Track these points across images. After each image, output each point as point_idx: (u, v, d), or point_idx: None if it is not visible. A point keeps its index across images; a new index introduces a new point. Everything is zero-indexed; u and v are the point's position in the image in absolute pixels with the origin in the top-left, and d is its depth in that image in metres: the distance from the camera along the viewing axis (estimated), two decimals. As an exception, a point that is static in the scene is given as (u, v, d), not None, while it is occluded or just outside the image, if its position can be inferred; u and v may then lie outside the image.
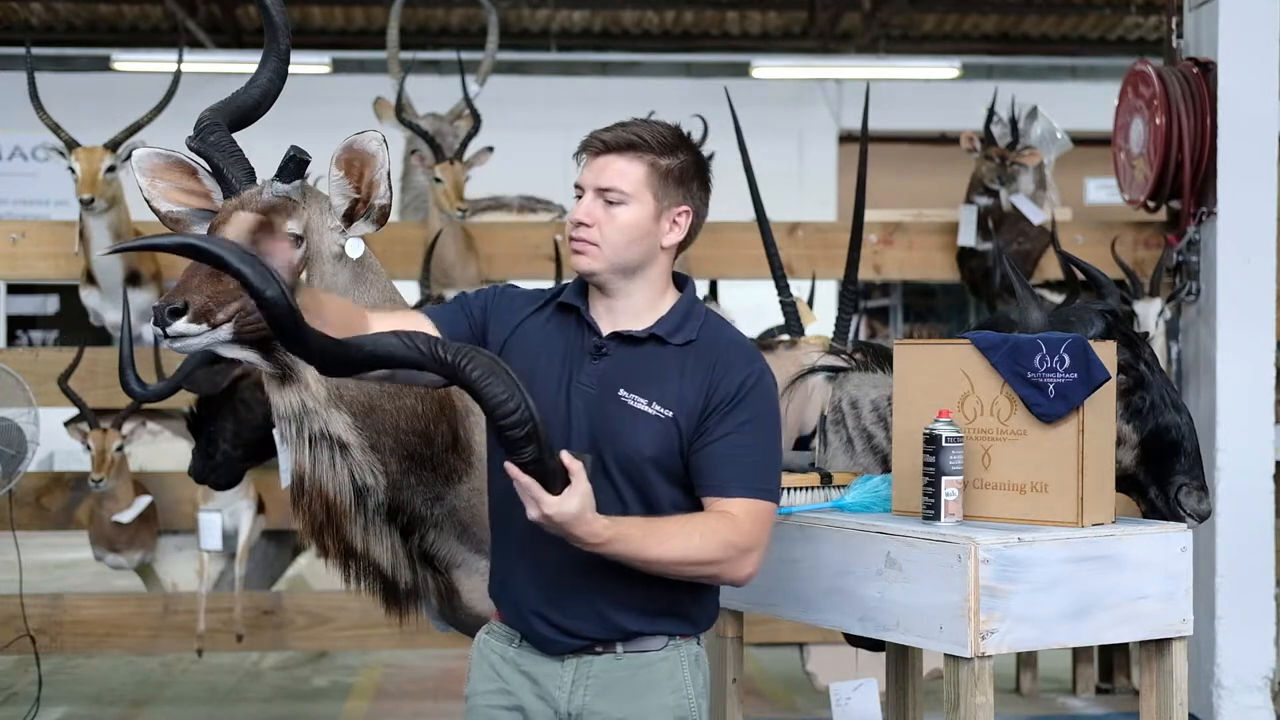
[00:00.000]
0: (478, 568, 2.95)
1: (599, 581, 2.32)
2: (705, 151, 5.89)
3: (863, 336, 9.25)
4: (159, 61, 10.53)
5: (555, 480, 2.10)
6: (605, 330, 2.39)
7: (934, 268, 6.04)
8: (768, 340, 4.37)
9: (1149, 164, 5.35)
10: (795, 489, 2.96)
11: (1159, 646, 2.78)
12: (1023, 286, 3.07)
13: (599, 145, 2.37)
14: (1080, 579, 2.64)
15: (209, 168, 2.63)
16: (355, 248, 2.67)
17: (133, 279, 5.26)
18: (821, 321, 4.88)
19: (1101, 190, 12.06)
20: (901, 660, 3.25)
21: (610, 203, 2.34)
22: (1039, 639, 2.65)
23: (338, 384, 2.66)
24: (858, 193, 4.01)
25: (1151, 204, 5.47)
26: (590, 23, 12.51)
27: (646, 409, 2.31)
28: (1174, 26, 5.47)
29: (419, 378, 2.32)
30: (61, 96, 6.61)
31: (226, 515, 5.18)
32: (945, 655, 2.60)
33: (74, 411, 5.11)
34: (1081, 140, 6.20)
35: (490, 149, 5.71)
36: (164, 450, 5.87)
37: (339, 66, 11.22)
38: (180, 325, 2.36)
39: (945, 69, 11.73)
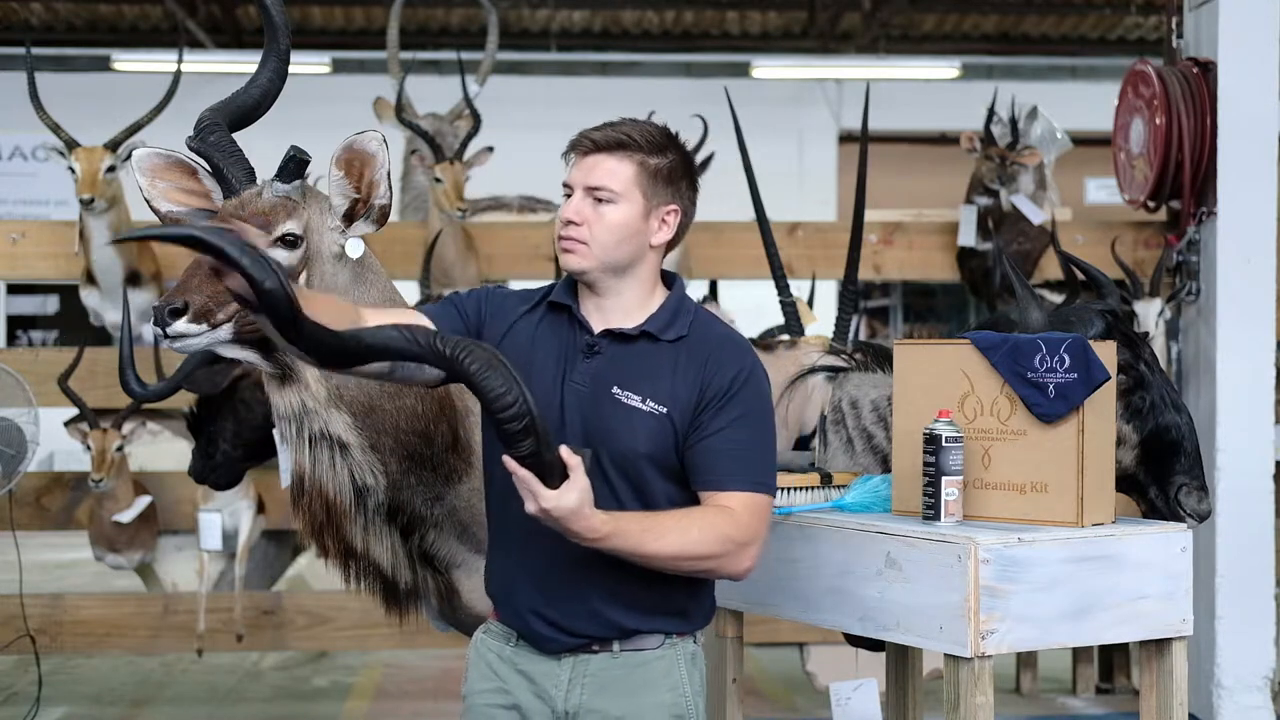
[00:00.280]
0: (478, 568, 2.95)
1: (596, 580, 2.32)
2: (705, 151, 5.93)
3: (863, 336, 9.25)
4: (159, 61, 10.53)
5: (553, 475, 2.10)
6: (597, 328, 2.39)
7: (934, 268, 6.04)
8: (768, 340, 4.37)
9: (1149, 164, 5.35)
10: (795, 489, 2.96)
11: (1159, 646, 2.78)
12: (1023, 286, 3.07)
13: (588, 144, 2.37)
14: (1080, 579, 2.64)
15: (209, 168, 2.63)
16: (355, 248, 2.68)
17: (133, 279, 5.26)
18: (821, 321, 4.88)
19: (1101, 190, 12.05)
20: (901, 660, 3.25)
21: (600, 201, 2.35)
22: (1039, 639, 2.65)
23: (338, 384, 2.66)
24: (858, 193, 4.01)
25: (1151, 204, 5.47)
26: (590, 23, 12.51)
27: (640, 406, 2.32)
28: (1174, 26, 5.47)
29: (417, 376, 2.32)
30: (61, 96, 6.61)
31: (226, 515, 5.18)
32: (945, 655, 2.60)
33: (74, 411, 5.11)
34: (1081, 140, 6.20)
35: (490, 149, 5.71)
36: (164, 450, 5.87)
37: (339, 66, 11.22)
38: (180, 325, 2.36)
39: (945, 69, 11.73)
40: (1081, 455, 2.70)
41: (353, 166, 2.65)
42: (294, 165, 2.57)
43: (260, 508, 5.32)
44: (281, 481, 2.89)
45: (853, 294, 3.99)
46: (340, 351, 2.05)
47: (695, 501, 2.33)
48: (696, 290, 5.87)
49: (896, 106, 11.33)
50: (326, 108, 9.33)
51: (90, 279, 5.34)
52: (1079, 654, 5.82)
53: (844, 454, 3.37)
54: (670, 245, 2.43)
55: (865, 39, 12.18)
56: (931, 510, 2.72)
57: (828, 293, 7.10)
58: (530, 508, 2.12)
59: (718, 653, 3.09)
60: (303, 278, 2.59)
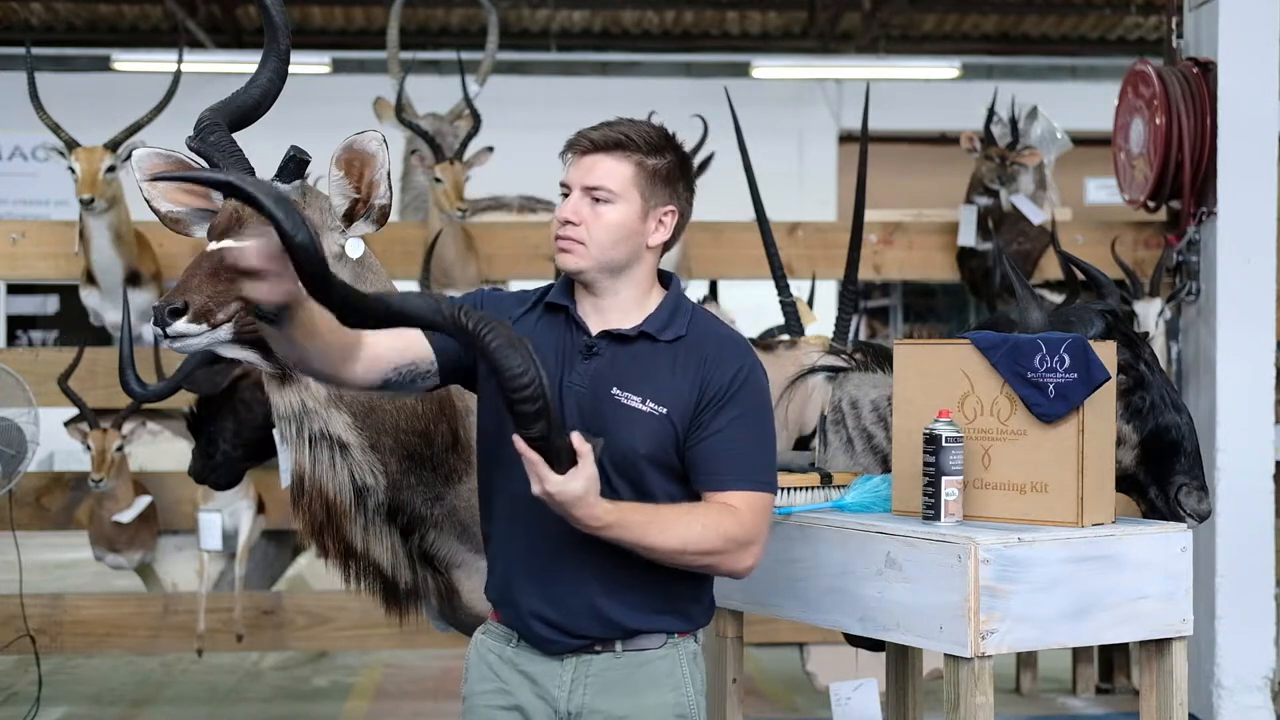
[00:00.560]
0: (478, 568, 2.95)
1: (597, 580, 2.32)
2: (705, 151, 5.92)
3: (863, 336, 9.25)
4: (159, 61, 10.53)
5: (562, 459, 2.09)
6: (594, 329, 2.39)
7: (934, 268, 6.04)
8: (768, 340, 4.37)
9: (1149, 164, 5.35)
10: (795, 489, 2.96)
11: (1159, 646, 2.78)
12: (1023, 286, 3.07)
13: (586, 144, 2.37)
14: (1080, 579, 2.64)
15: (209, 168, 2.63)
16: (355, 248, 2.68)
17: (133, 279, 5.26)
18: (821, 321, 4.88)
19: (1101, 190, 12.06)
20: (901, 660, 3.25)
21: (597, 201, 2.35)
22: (1039, 639, 2.65)
23: (338, 384, 2.66)
24: (858, 193, 4.01)
25: (1151, 204, 5.47)
26: (590, 23, 12.51)
27: (640, 407, 2.32)
28: (1174, 26, 5.47)
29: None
30: (61, 96, 6.61)
31: (226, 515, 5.18)
32: (945, 655, 2.60)
33: (74, 411, 5.11)
34: (1081, 140, 6.20)
35: (490, 149, 5.71)
36: (164, 450, 5.87)
37: (339, 66, 11.22)
38: (180, 325, 2.36)
39: (945, 69, 11.73)
40: (1081, 455, 2.70)
41: (353, 166, 2.65)
42: (294, 165, 2.57)
43: (260, 508, 5.32)
44: (281, 481, 2.89)
45: (853, 294, 3.99)
46: (366, 314, 2.04)
47: (696, 500, 2.33)
48: (696, 290, 5.88)
49: (896, 106, 11.34)
50: (326, 108, 9.33)
51: (90, 279, 5.34)
52: (1079, 654, 5.81)
53: (844, 454, 3.37)
54: (666, 246, 2.43)
55: (865, 39, 12.18)
56: (931, 510, 2.72)
57: (828, 293, 7.10)
58: (535, 489, 2.11)
59: (718, 653, 3.09)
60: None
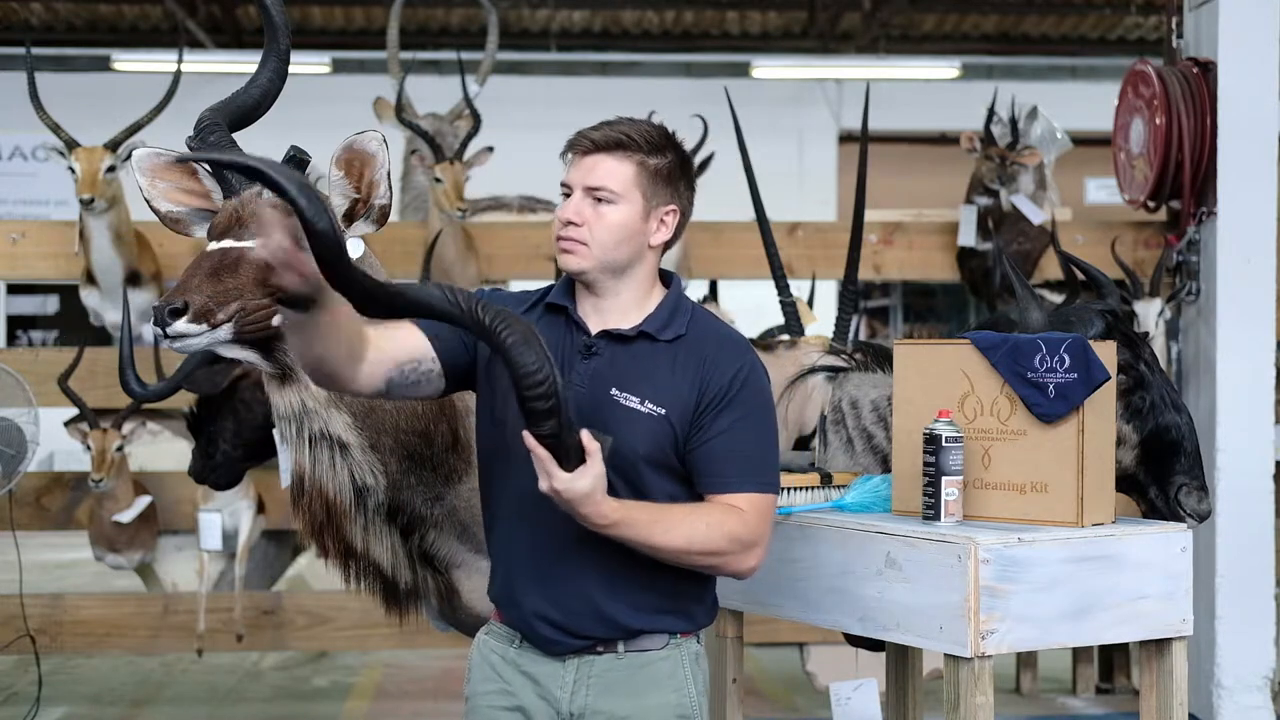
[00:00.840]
0: (478, 568, 2.95)
1: (600, 581, 2.32)
2: (705, 151, 5.92)
3: (863, 336, 9.25)
4: (159, 61, 10.53)
5: (571, 457, 2.10)
6: (594, 329, 2.39)
7: (934, 268, 6.04)
8: (768, 340, 4.37)
9: (1149, 164, 5.35)
10: (795, 489, 2.96)
11: (1159, 646, 2.78)
12: (1023, 286, 3.07)
13: (587, 144, 2.36)
14: (1080, 579, 2.64)
15: (209, 168, 2.63)
16: (355, 248, 2.67)
17: (133, 279, 5.26)
18: (821, 321, 4.88)
19: (1101, 190, 12.06)
20: (901, 660, 3.25)
21: (599, 201, 2.34)
22: (1039, 639, 2.65)
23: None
24: (858, 193, 4.00)
25: (1151, 204, 5.47)
26: (590, 23, 12.51)
27: (639, 407, 2.32)
28: (1174, 26, 5.47)
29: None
30: (61, 96, 6.61)
31: (226, 515, 5.18)
32: (945, 655, 2.60)
33: (74, 411, 5.11)
34: (1081, 140, 6.20)
35: (490, 149, 5.71)
36: (164, 450, 5.87)
37: (339, 66, 11.22)
38: (180, 325, 2.36)
39: (945, 69, 11.73)
40: (1081, 455, 2.70)
41: (353, 166, 2.65)
42: (294, 165, 2.57)
43: (260, 508, 5.32)
44: (281, 481, 2.89)
45: (853, 294, 3.99)
46: (384, 303, 2.03)
47: (697, 500, 2.33)
48: (696, 290, 5.88)
49: (896, 106, 11.34)
50: (326, 108, 9.33)
51: (90, 279, 5.33)
52: (1079, 654, 5.81)
53: (844, 454, 3.37)
54: (667, 245, 2.43)
55: (865, 39, 12.18)
56: (931, 510, 2.72)
57: (828, 293, 7.10)
58: (542, 485, 2.12)
59: (718, 653, 3.09)
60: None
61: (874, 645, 3.32)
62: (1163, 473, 3.08)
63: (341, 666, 6.38)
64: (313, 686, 6.09)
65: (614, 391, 2.33)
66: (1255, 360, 5.14)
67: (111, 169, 5.03)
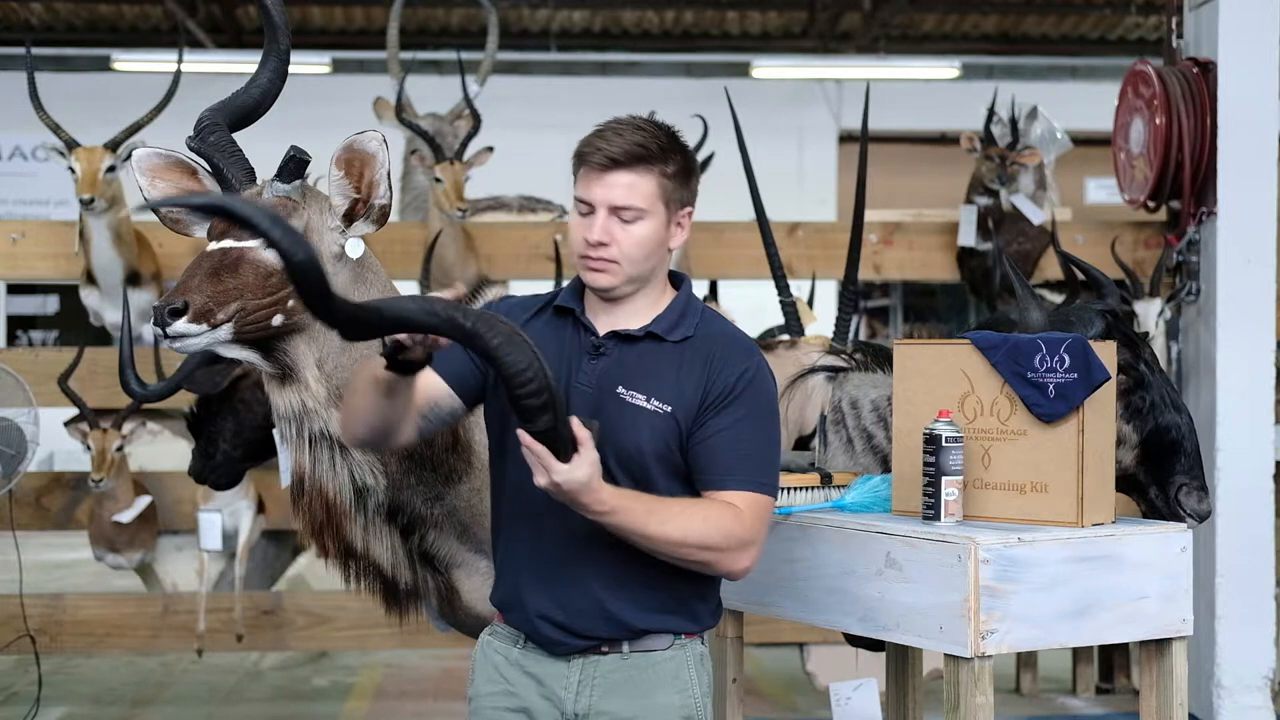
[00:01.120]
0: (478, 568, 2.95)
1: (604, 581, 2.32)
2: (705, 151, 5.92)
3: (863, 336, 9.25)
4: (159, 61, 10.54)
5: (566, 448, 2.10)
6: (602, 330, 2.39)
7: (934, 268, 6.04)
8: (768, 340, 4.37)
9: (1149, 164, 5.35)
10: (795, 489, 2.96)
11: (1159, 646, 2.78)
12: (1023, 286, 3.07)
13: (604, 160, 2.32)
14: (1080, 579, 2.64)
15: (209, 168, 2.63)
16: (355, 248, 2.68)
17: (133, 279, 5.26)
18: (821, 321, 4.88)
19: (1101, 190, 12.06)
20: (901, 660, 3.24)
21: (626, 220, 2.33)
22: (1039, 639, 2.65)
23: (338, 384, 2.66)
24: (858, 193, 4.00)
25: (1151, 204, 5.47)
26: (590, 23, 12.51)
27: (645, 405, 2.32)
28: (1174, 26, 5.47)
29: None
30: (61, 96, 6.61)
31: (226, 515, 5.17)
32: (945, 655, 2.60)
33: (74, 411, 5.10)
34: (1081, 140, 6.20)
35: (490, 149, 5.70)
36: (164, 450, 5.87)
37: (339, 66, 11.22)
38: (180, 325, 2.37)
39: (945, 69, 11.74)
40: (1081, 455, 2.70)
41: (353, 166, 2.65)
42: (294, 165, 2.57)
43: (260, 508, 5.32)
44: (281, 481, 2.89)
45: (853, 294, 3.99)
46: (366, 325, 2.03)
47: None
48: (697, 290, 5.87)
49: (896, 106, 11.34)
50: (326, 108, 9.34)
51: (90, 279, 5.34)
52: (1079, 654, 5.81)
53: (844, 454, 3.37)
54: None
55: (865, 39, 12.18)
56: (931, 510, 2.72)
57: (828, 293, 7.11)
58: (540, 481, 2.11)
59: (718, 653, 3.09)
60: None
61: (874, 645, 3.32)
62: (1163, 473, 3.08)
63: (341, 666, 6.38)
64: (313, 686, 6.09)
65: (620, 390, 2.33)
66: (1255, 360, 5.14)
67: (111, 169, 5.04)
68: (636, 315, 2.39)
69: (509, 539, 2.41)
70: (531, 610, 2.36)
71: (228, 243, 2.50)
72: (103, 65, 11.27)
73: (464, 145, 5.50)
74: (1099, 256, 5.26)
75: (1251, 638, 5.05)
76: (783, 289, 4.18)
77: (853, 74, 12.00)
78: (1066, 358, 2.69)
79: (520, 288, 5.84)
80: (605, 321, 2.40)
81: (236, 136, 2.65)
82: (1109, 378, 2.72)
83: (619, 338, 2.38)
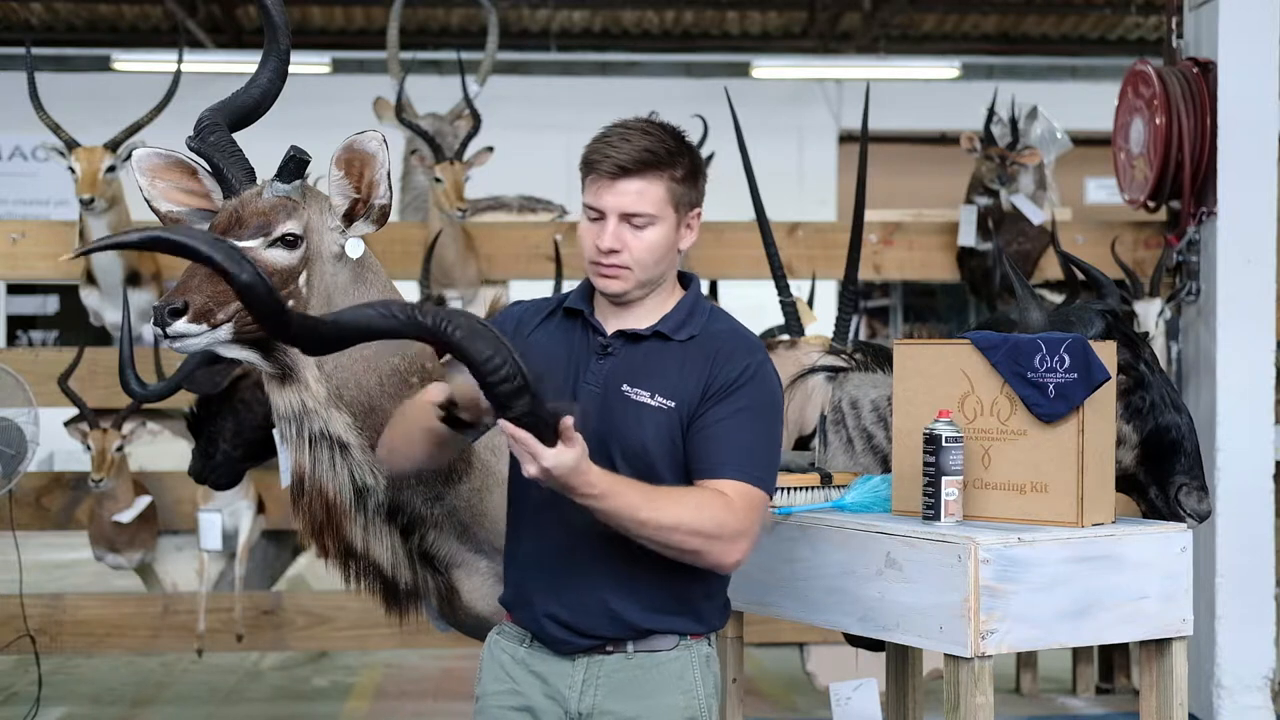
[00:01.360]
0: (478, 568, 2.95)
1: (610, 580, 2.32)
2: (705, 151, 5.93)
3: (863, 336, 9.25)
4: (159, 61, 10.54)
5: (548, 432, 2.08)
6: (610, 330, 2.40)
7: (934, 268, 6.04)
8: (768, 340, 4.37)
9: (1149, 164, 5.35)
10: (795, 489, 2.96)
11: (1159, 646, 2.78)
12: (1023, 286, 3.07)
13: (614, 168, 2.32)
14: (1080, 579, 2.64)
15: (209, 168, 2.63)
16: (355, 248, 2.68)
17: (133, 279, 5.26)
18: (821, 321, 4.88)
19: (1101, 190, 12.06)
20: (901, 660, 3.24)
21: (637, 226, 2.34)
22: (1039, 639, 2.65)
23: (337, 384, 2.67)
24: (858, 193, 4.00)
25: (1151, 204, 5.47)
26: (590, 23, 12.51)
27: (649, 401, 2.33)
28: (1174, 26, 5.47)
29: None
30: (61, 96, 6.61)
31: (226, 515, 5.17)
32: (945, 655, 2.60)
33: (74, 411, 5.11)
34: (1081, 140, 6.20)
35: (490, 149, 5.70)
36: (164, 450, 5.87)
37: (339, 66, 11.22)
38: (180, 325, 2.37)
39: (945, 69, 11.74)
40: (1081, 455, 2.70)
41: (353, 166, 2.65)
42: (294, 165, 2.57)
43: (260, 508, 5.32)
44: (281, 481, 2.89)
45: (853, 294, 3.99)
46: (326, 338, 2.03)
47: None
48: (702, 287, 5.86)
49: (896, 106, 11.34)
50: (326, 108, 9.33)
51: (90, 279, 5.34)
52: (1079, 654, 5.81)
53: (844, 454, 3.37)
54: None
55: (865, 39, 12.18)
56: (931, 510, 2.72)
57: (828, 293, 7.10)
58: (531, 470, 2.09)
59: (718, 653, 3.09)
60: (303, 278, 2.59)
61: (874, 645, 3.32)
62: (1163, 473, 3.08)
63: (341, 666, 6.38)
64: (313, 686, 6.09)
65: (625, 387, 2.34)
66: (1255, 360, 5.14)
67: (111, 169, 5.04)
68: (645, 316, 2.40)
69: (518, 538, 2.42)
70: (538, 609, 2.37)
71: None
72: (103, 65, 11.27)
73: (464, 145, 5.50)
74: (1099, 256, 5.26)
75: (1251, 638, 5.05)
76: (783, 289, 4.18)
77: (853, 74, 12.01)
78: (1066, 358, 2.69)
79: (520, 288, 5.87)
80: (614, 322, 2.41)
81: (236, 136, 2.65)
82: (1109, 378, 2.72)
83: (626, 337, 2.39)
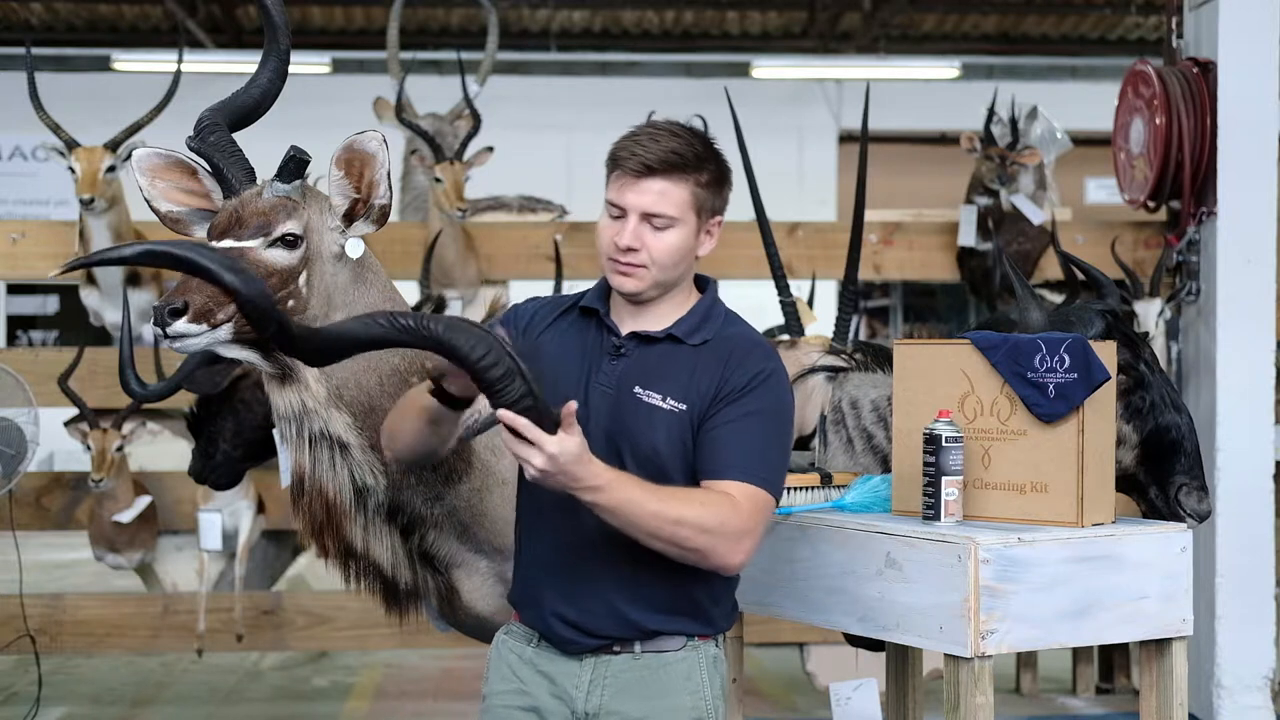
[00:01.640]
0: (478, 568, 2.95)
1: (618, 580, 2.32)
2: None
3: (863, 336, 9.25)
4: (159, 61, 10.54)
5: (547, 419, 2.07)
6: (625, 331, 2.40)
7: (934, 268, 6.03)
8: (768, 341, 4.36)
9: (1149, 164, 5.35)
10: (795, 489, 2.96)
11: (1159, 646, 2.78)
12: (1023, 286, 3.07)
13: (640, 167, 2.33)
14: (1080, 579, 2.64)
15: (209, 168, 2.63)
16: (355, 248, 2.68)
17: (133, 279, 5.26)
18: (821, 321, 4.87)
19: (1101, 190, 12.07)
20: (901, 660, 3.24)
21: (657, 228, 2.34)
22: (1039, 639, 2.65)
23: (337, 384, 2.67)
24: (858, 193, 4.00)
25: (1151, 204, 5.47)
26: (590, 23, 12.51)
27: (661, 404, 2.33)
28: (1174, 26, 5.47)
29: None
30: (61, 96, 6.61)
31: (226, 515, 5.17)
32: (945, 655, 2.60)
33: (74, 411, 5.11)
34: (1081, 140, 6.20)
35: (490, 149, 5.70)
36: (164, 450, 5.87)
37: (339, 66, 11.22)
38: (180, 325, 2.37)
39: (945, 69, 11.74)
40: (1081, 455, 2.70)
41: (353, 166, 2.65)
42: (294, 165, 2.57)
43: (260, 508, 5.32)
44: (281, 481, 2.89)
45: (853, 294, 3.99)
46: (324, 350, 2.06)
47: None
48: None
49: (896, 106, 11.34)
50: (326, 108, 9.34)
51: (90, 279, 5.34)
52: (1079, 654, 5.81)
53: (844, 454, 3.37)
54: None
55: (865, 39, 12.19)
56: (931, 510, 2.72)
57: (828, 293, 7.09)
58: (536, 461, 2.07)
59: (718, 653, 3.09)
60: (303, 278, 2.59)
61: (874, 645, 3.32)
62: (1163, 473, 3.08)
63: (341, 666, 6.38)
64: (313, 686, 6.09)
65: (637, 389, 2.34)
66: (1255, 360, 5.14)
67: (111, 169, 5.03)
68: (660, 318, 2.40)
69: (527, 537, 2.42)
70: (546, 609, 2.37)
71: (228, 242, 2.50)
72: (103, 65, 11.27)
73: (464, 145, 5.50)
74: (1099, 256, 5.26)
75: (1251, 638, 5.05)
76: (783, 289, 4.18)
77: (853, 74, 12.01)
78: (1066, 358, 2.69)
79: (520, 288, 5.86)
80: (629, 323, 2.41)
81: (236, 136, 2.65)
82: (1109, 378, 2.72)
83: (639, 339, 2.39)
